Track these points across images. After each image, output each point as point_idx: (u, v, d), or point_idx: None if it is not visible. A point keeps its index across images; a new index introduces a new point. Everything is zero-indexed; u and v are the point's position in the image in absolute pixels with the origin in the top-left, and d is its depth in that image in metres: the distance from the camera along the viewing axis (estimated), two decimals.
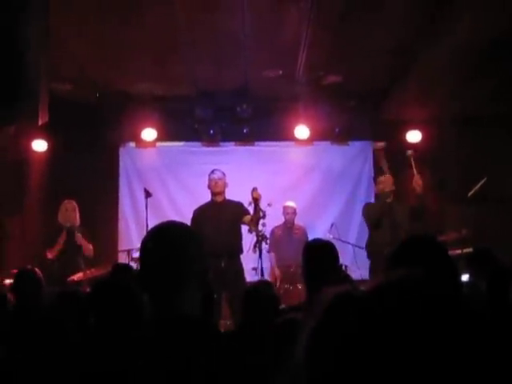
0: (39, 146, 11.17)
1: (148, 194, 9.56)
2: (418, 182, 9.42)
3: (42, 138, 11.03)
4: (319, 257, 4.68)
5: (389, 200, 9.46)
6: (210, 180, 9.23)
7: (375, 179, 10.32)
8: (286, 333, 3.50)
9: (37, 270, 6.01)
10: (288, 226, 10.61)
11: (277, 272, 10.20)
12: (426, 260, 2.59)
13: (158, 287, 2.44)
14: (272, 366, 3.32)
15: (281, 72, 10.42)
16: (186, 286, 2.42)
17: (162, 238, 2.53)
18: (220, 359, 2.29)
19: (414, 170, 9.57)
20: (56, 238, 9.51)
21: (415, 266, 2.58)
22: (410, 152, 9.70)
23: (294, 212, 10.64)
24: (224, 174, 9.24)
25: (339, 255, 8.94)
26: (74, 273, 9.02)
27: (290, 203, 10.66)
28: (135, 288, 3.88)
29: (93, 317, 3.62)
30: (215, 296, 4.81)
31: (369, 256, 9.65)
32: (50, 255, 9.39)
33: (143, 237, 2.62)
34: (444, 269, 2.59)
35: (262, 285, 5.43)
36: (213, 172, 9.24)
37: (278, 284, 9.54)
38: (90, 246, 9.60)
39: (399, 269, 2.58)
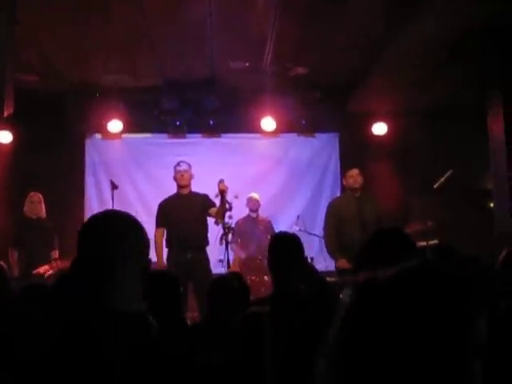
0: (4, 137, 11.08)
1: (114, 186, 9.52)
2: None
3: (7, 129, 10.93)
4: (285, 249, 4.71)
5: (356, 194, 9.48)
6: (175, 172, 9.19)
7: (342, 172, 10.34)
8: (250, 326, 3.53)
9: (1, 263, 5.95)
10: (252, 217, 10.62)
11: (240, 263, 10.20)
12: (394, 251, 2.63)
13: (90, 277, 2.40)
14: (235, 358, 3.35)
15: (248, 64, 10.42)
16: (120, 276, 2.39)
17: (96, 226, 2.50)
18: (151, 355, 2.28)
19: None
20: (21, 231, 9.45)
21: (384, 257, 2.62)
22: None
23: (257, 203, 10.65)
24: (190, 166, 9.21)
25: (305, 247, 9.01)
26: (41, 265, 8.95)
27: (254, 194, 10.68)
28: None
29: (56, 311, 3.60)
30: (181, 289, 4.77)
31: None
32: (12, 258, 9.32)
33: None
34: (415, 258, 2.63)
35: (229, 276, 5.44)
36: (178, 164, 9.21)
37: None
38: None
39: (369, 260, 2.61)
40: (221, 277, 5.50)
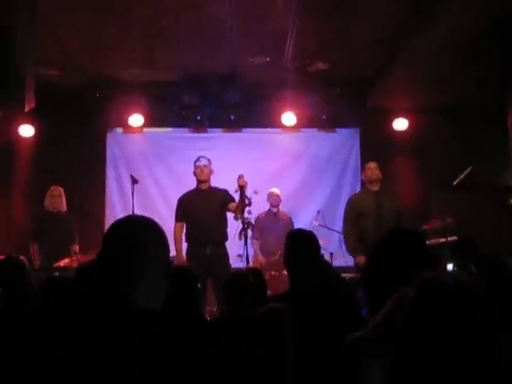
0: (26, 131, 11.18)
1: (134, 181, 9.53)
2: None
3: (29, 123, 11.03)
4: (301, 247, 4.73)
5: (375, 188, 9.46)
6: (195, 167, 9.21)
7: (362, 167, 10.33)
8: (269, 321, 3.55)
9: (21, 257, 5.99)
10: (273, 212, 10.62)
11: (260, 259, 10.23)
12: (408, 252, 2.64)
13: (114, 278, 2.46)
14: (254, 354, 3.38)
15: (268, 59, 10.43)
16: (143, 277, 2.46)
17: (119, 230, 2.57)
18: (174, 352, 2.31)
19: None
20: (42, 225, 9.53)
21: (398, 257, 2.63)
22: None
23: (278, 198, 10.65)
24: (209, 161, 9.22)
25: (325, 242, 9.01)
26: (62, 258, 9.01)
27: (274, 190, 10.67)
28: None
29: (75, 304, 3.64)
30: (199, 285, 4.80)
31: None
32: (32, 250, 9.39)
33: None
34: (425, 261, 2.65)
35: (246, 271, 5.46)
36: (198, 159, 9.22)
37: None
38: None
39: (383, 261, 2.62)
40: (237, 272, 5.52)
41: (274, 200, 10.60)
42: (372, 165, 9.57)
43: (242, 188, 8.36)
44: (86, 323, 2.35)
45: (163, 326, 2.40)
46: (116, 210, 11.89)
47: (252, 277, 5.22)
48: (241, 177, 8.42)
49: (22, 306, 3.33)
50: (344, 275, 7.66)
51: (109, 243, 2.54)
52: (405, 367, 1.56)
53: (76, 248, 9.47)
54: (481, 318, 1.57)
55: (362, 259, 8.79)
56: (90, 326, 2.32)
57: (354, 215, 9.31)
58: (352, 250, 9.20)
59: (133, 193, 9.46)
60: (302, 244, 4.76)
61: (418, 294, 1.62)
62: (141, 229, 2.56)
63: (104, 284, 2.47)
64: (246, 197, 8.37)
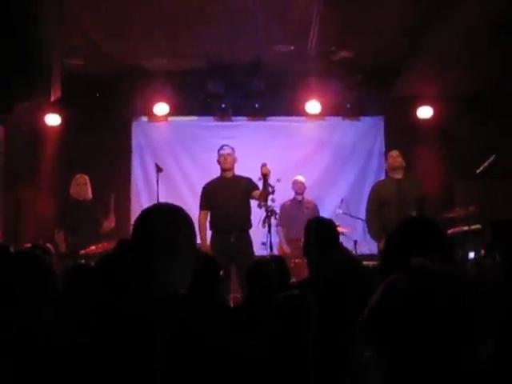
0: (52, 120, 11.29)
1: (159, 169, 9.61)
2: None
3: (56, 112, 11.15)
4: (319, 234, 4.77)
5: (398, 176, 9.48)
6: (219, 156, 9.28)
7: (386, 155, 10.33)
8: (285, 308, 3.59)
9: (48, 245, 6.07)
10: (297, 200, 10.65)
11: (285, 247, 10.29)
12: (423, 241, 2.67)
13: (139, 263, 2.52)
14: (270, 340, 3.42)
15: (292, 47, 10.45)
16: (174, 263, 2.51)
17: (149, 217, 2.63)
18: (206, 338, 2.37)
19: None
20: (68, 212, 9.64)
21: (414, 247, 2.67)
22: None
23: (303, 186, 10.69)
24: (233, 150, 9.28)
25: (349, 230, 9.04)
26: (88, 246, 9.11)
27: (299, 177, 10.71)
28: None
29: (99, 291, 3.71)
30: (221, 272, 4.87)
31: None
32: (58, 237, 9.50)
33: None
34: (440, 249, 2.68)
35: (268, 259, 5.51)
36: (222, 148, 9.29)
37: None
38: (113, 221, 9.72)
39: (398, 248, 2.66)
40: (259, 259, 5.57)
41: (299, 188, 10.64)
42: (394, 153, 9.61)
43: (265, 176, 8.41)
44: (115, 311, 2.41)
45: (195, 313, 2.46)
46: (141, 198, 11.98)
47: (275, 264, 5.28)
48: (264, 165, 8.47)
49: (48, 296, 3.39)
50: (368, 263, 7.71)
51: (140, 231, 2.60)
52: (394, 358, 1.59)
53: (106, 223, 9.59)
54: (467, 307, 1.60)
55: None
56: (120, 315, 2.38)
57: (377, 203, 9.35)
58: (375, 236, 9.25)
59: (157, 181, 9.54)
60: (320, 232, 4.81)
61: (404, 282, 1.65)
62: (170, 216, 2.62)
63: (137, 270, 2.53)
64: (270, 185, 8.42)
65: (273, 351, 3.65)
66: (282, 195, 9.73)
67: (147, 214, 2.67)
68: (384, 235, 9.02)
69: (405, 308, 1.56)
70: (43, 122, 11.27)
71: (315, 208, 10.71)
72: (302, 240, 9.52)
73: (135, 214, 11.66)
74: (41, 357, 2.71)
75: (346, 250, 4.94)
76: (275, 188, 8.48)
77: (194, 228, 2.70)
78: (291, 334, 3.67)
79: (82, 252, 8.99)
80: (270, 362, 3.58)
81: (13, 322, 3.01)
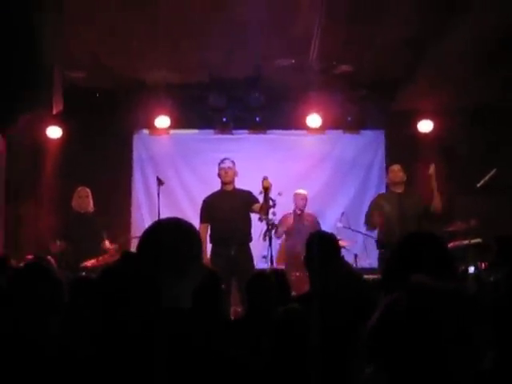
0: (54, 132, 11.31)
1: (160, 182, 9.61)
2: (438, 203, 9.46)
3: (57, 124, 11.17)
4: (321, 248, 4.77)
5: (399, 190, 9.51)
6: (219, 169, 9.32)
7: (387, 169, 10.35)
8: (285, 322, 3.60)
9: (49, 258, 6.07)
10: (298, 213, 10.65)
11: (285, 259, 10.30)
12: (425, 256, 2.68)
13: (148, 277, 2.52)
14: (270, 353, 3.42)
15: (293, 61, 10.47)
16: (182, 276, 2.52)
17: (157, 231, 2.63)
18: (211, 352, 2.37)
19: (435, 188, 9.55)
20: (70, 225, 9.64)
21: (418, 262, 2.67)
22: (431, 170, 9.63)
23: (305, 199, 10.68)
24: (234, 163, 9.33)
25: (349, 244, 9.06)
26: (88, 259, 9.11)
27: (301, 190, 10.71)
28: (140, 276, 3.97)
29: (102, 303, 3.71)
30: (223, 286, 4.87)
31: (378, 246, 9.71)
32: (53, 250, 9.46)
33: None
34: (443, 264, 2.69)
35: (268, 272, 5.51)
36: (223, 161, 9.33)
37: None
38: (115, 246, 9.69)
39: (401, 263, 2.66)
40: (259, 272, 5.58)
41: (301, 201, 10.62)
42: (396, 167, 9.65)
43: (266, 189, 8.43)
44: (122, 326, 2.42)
45: (200, 327, 2.47)
46: (142, 210, 12.00)
47: (275, 278, 5.28)
48: (265, 178, 8.49)
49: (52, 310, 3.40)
50: (368, 277, 7.70)
51: (147, 245, 2.60)
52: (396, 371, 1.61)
53: (107, 246, 9.56)
54: (465, 324, 1.61)
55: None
56: (127, 329, 2.39)
57: (378, 209, 9.44)
58: (371, 225, 9.41)
59: (159, 194, 9.53)
60: (322, 246, 4.81)
61: (404, 301, 1.67)
62: (178, 231, 2.62)
63: (143, 284, 2.53)
64: (271, 198, 8.44)
65: (274, 364, 3.66)
66: (282, 208, 9.75)
67: (155, 228, 2.67)
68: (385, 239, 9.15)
69: (404, 326, 1.59)
70: (44, 134, 11.29)
71: (315, 221, 10.71)
72: (303, 253, 9.65)
73: (136, 226, 11.80)
74: (47, 368, 2.72)
75: (347, 263, 4.94)
76: (276, 201, 8.51)
77: (201, 243, 2.71)
78: (292, 348, 3.67)
79: (83, 265, 8.99)
80: (271, 375, 3.58)
81: (21, 333, 3.02)
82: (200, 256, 2.68)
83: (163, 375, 2.26)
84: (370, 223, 9.63)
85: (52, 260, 6.24)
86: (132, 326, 2.37)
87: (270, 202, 8.43)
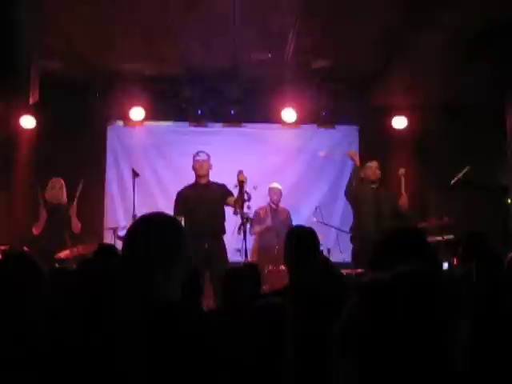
0: (27, 122, 11.20)
1: (135, 174, 9.57)
2: (405, 202, 9.55)
3: (31, 114, 11.06)
4: (301, 243, 4.80)
5: (374, 186, 9.57)
6: (194, 162, 9.31)
7: (361, 164, 10.40)
8: (264, 316, 3.60)
9: (25, 248, 6.04)
10: (272, 207, 10.69)
11: (258, 253, 10.30)
12: (412, 252, 2.71)
13: (140, 271, 2.53)
14: (249, 349, 3.43)
15: (270, 55, 10.47)
16: (168, 270, 2.52)
17: (145, 225, 2.64)
18: (200, 344, 2.38)
19: (403, 188, 9.64)
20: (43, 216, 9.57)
21: (402, 257, 2.70)
22: (401, 171, 9.74)
23: (280, 193, 10.72)
24: (208, 156, 9.32)
25: (322, 238, 9.09)
26: (61, 250, 9.05)
27: (276, 184, 10.74)
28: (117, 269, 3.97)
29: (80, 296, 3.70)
30: (201, 281, 4.89)
31: (352, 240, 9.76)
32: (35, 231, 9.43)
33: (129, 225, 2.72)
34: (429, 260, 2.72)
35: (244, 267, 5.52)
36: (197, 154, 9.32)
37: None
38: (79, 224, 9.64)
39: (387, 259, 2.67)
40: (234, 267, 5.59)
41: (276, 195, 10.65)
42: (373, 164, 9.70)
43: (241, 183, 8.44)
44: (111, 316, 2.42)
45: (192, 318, 2.48)
46: (115, 202, 11.97)
47: (249, 271, 5.30)
48: (241, 172, 8.50)
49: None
50: (341, 271, 7.74)
51: (136, 239, 2.60)
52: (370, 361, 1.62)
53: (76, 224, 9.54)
54: (446, 314, 1.64)
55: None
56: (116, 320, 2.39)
57: (353, 199, 9.55)
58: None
59: (134, 186, 9.49)
60: (301, 240, 4.83)
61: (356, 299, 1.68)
62: (166, 225, 2.63)
63: (134, 278, 2.53)
64: (246, 192, 8.45)
65: (249, 358, 3.67)
66: (257, 202, 9.78)
67: (143, 222, 2.68)
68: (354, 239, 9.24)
69: (370, 317, 1.60)
70: (18, 124, 11.19)
71: (288, 215, 10.75)
72: (276, 247, 9.68)
73: (109, 218, 11.77)
74: (36, 362, 2.71)
75: (326, 258, 4.97)
76: (251, 195, 8.52)
77: (185, 237, 2.72)
78: (269, 342, 3.68)
79: (57, 256, 8.94)
80: (246, 371, 3.60)
81: (7, 326, 3.00)
82: (187, 250, 2.69)
83: (152, 367, 2.27)
84: (350, 195, 9.70)
85: (29, 251, 6.20)
86: (125, 320, 2.38)
87: (245, 196, 8.44)
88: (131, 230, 2.64)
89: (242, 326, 3.92)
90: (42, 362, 2.61)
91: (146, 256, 2.54)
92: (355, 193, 9.70)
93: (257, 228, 10.24)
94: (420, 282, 1.64)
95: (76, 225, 9.59)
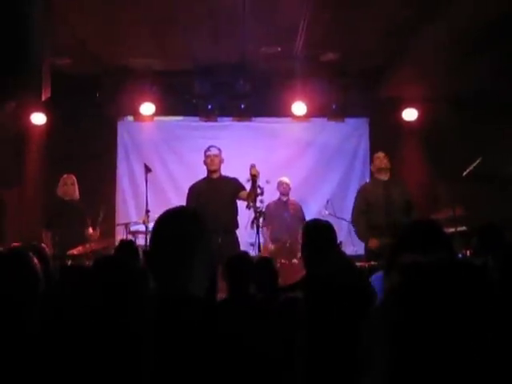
0: (38, 119, 11.24)
1: (148, 170, 9.56)
2: None
3: (42, 111, 11.10)
4: (319, 236, 4.80)
5: (384, 178, 9.54)
6: (206, 157, 9.30)
7: (371, 157, 10.38)
8: (288, 311, 3.62)
9: (43, 245, 6.05)
10: (282, 201, 10.70)
11: (270, 246, 10.30)
12: (430, 244, 2.72)
13: (165, 266, 2.53)
14: (273, 342, 3.44)
15: (279, 48, 10.47)
16: (192, 266, 2.52)
17: (172, 220, 2.63)
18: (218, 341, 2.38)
19: None
20: (55, 212, 9.57)
21: (421, 249, 2.71)
22: None
23: (289, 187, 10.74)
24: (220, 151, 9.31)
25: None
26: (75, 246, 9.08)
27: (284, 178, 10.76)
28: (138, 265, 3.99)
29: (95, 293, 3.71)
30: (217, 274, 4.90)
31: None
32: (46, 238, 9.42)
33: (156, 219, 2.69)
34: (445, 251, 2.73)
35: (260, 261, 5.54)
36: (209, 149, 9.31)
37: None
38: (97, 233, 9.65)
39: (406, 251, 2.69)
40: (240, 252, 5.61)
41: (284, 189, 10.69)
42: (381, 154, 9.67)
43: (254, 177, 8.42)
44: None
45: (220, 314, 2.49)
46: (127, 197, 12.00)
47: (265, 265, 5.32)
48: (253, 166, 8.48)
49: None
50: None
51: (161, 235, 2.59)
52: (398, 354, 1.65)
53: (91, 233, 9.52)
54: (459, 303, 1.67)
55: (374, 242, 8.94)
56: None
57: (364, 205, 9.41)
58: (363, 237, 9.32)
59: (146, 181, 9.47)
60: (320, 233, 4.84)
61: (401, 280, 1.72)
62: (193, 220, 2.62)
63: (159, 274, 2.53)
64: (259, 186, 8.44)
65: (265, 352, 3.68)
66: (269, 196, 9.79)
67: (168, 218, 2.67)
68: (371, 235, 9.13)
69: (408, 302, 1.63)
70: (29, 121, 11.22)
71: (299, 209, 10.76)
72: (288, 241, 9.69)
73: (120, 214, 11.80)
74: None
75: (343, 252, 4.97)
76: (264, 189, 8.52)
77: (209, 231, 2.71)
78: (288, 336, 3.70)
79: (69, 252, 8.96)
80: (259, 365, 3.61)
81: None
82: (211, 246, 2.68)
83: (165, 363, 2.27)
84: (360, 235, 9.61)
85: (46, 247, 6.22)
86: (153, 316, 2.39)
87: (258, 190, 8.44)
88: (156, 226, 2.64)
89: (266, 320, 3.94)
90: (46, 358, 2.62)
91: (163, 248, 2.54)
92: (365, 196, 9.61)
93: (267, 221, 10.23)
94: (462, 268, 1.71)
95: (94, 234, 9.61)
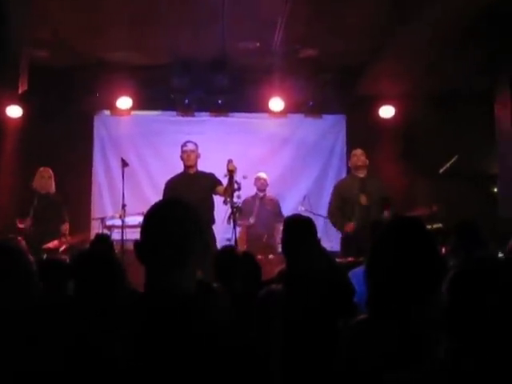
0: (14, 112, 11.11)
1: (125, 164, 9.49)
2: None
3: (18, 104, 10.97)
4: (299, 231, 4.81)
5: (361, 175, 9.57)
6: (182, 152, 9.28)
7: (348, 153, 10.40)
8: (268, 303, 3.62)
9: (19, 239, 6.01)
10: (259, 196, 10.71)
11: (247, 242, 10.30)
12: (412, 241, 2.72)
13: (159, 261, 2.47)
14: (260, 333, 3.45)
15: (258, 44, 10.46)
16: (187, 262, 2.48)
17: (166, 214, 2.56)
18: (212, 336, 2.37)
19: None
20: (29, 205, 9.49)
21: (402, 246, 2.72)
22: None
23: (266, 183, 10.75)
24: (196, 146, 9.29)
25: None
26: (50, 240, 9.02)
27: (261, 174, 10.78)
28: (115, 258, 3.96)
29: (74, 286, 3.69)
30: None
31: None
32: (21, 225, 9.34)
33: (145, 212, 2.61)
34: (429, 249, 2.73)
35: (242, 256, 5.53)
36: (185, 144, 9.30)
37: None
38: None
39: (388, 248, 2.70)
40: (226, 247, 5.62)
41: (261, 184, 10.71)
42: (358, 151, 9.72)
43: (231, 172, 8.42)
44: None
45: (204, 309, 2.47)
46: (102, 191, 11.94)
47: (247, 260, 5.33)
48: (230, 161, 8.47)
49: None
50: None
51: (154, 230, 2.52)
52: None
53: (66, 229, 9.47)
54: None
55: (350, 226, 9.12)
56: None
57: (340, 201, 9.47)
58: (340, 227, 9.42)
59: (123, 175, 9.41)
60: (300, 229, 4.84)
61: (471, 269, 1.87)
62: (189, 214, 2.56)
63: (152, 271, 2.49)
64: (236, 181, 8.43)
65: (245, 345, 3.68)
66: (246, 192, 9.80)
67: (159, 212, 2.61)
68: (347, 221, 9.26)
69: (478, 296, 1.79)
70: (4, 113, 11.10)
71: (277, 204, 10.78)
72: (265, 236, 9.70)
73: (96, 208, 11.73)
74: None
75: (323, 248, 4.97)
76: (241, 185, 8.52)
77: (203, 225, 2.66)
78: (266, 328, 3.71)
79: (45, 246, 8.90)
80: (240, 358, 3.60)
81: None
82: (205, 241, 2.63)
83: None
84: (336, 224, 9.69)
85: (23, 241, 6.17)
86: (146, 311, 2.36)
87: (235, 185, 8.43)
88: (146, 220, 2.57)
89: (251, 313, 3.94)
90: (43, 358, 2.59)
91: (157, 243, 2.48)
92: (341, 192, 9.67)
93: (244, 217, 10.23)
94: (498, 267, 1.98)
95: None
